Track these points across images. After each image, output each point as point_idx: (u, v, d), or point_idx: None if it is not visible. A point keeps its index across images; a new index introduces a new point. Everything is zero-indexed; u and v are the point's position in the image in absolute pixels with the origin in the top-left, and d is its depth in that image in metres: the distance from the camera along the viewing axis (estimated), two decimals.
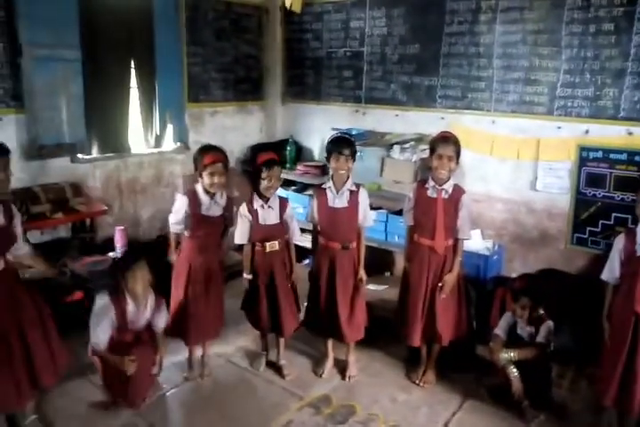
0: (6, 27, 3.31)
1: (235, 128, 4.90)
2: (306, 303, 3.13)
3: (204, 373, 3.05)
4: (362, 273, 2.97)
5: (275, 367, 3.15)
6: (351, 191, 2.90)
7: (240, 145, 4.93)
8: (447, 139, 2.79)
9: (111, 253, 3.51)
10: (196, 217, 2.86)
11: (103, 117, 3.94)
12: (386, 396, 2.92)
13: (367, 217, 2.96)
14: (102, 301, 2.62)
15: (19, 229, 2.37)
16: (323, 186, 2.96)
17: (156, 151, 4.32)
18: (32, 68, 3.44)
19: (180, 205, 2.87)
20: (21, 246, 2.42)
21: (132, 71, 4.10)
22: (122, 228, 3.58)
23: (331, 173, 2.95)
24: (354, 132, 4.29)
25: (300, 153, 4.92)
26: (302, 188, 4.62)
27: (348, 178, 2.90)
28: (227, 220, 2.99)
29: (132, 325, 2.69)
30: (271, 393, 2.94)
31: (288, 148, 4.77)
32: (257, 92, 5.07)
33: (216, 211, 2.90)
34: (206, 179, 2.79)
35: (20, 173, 3.21)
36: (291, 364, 3.17)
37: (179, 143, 4.45)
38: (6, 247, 2.28)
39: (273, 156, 2.96)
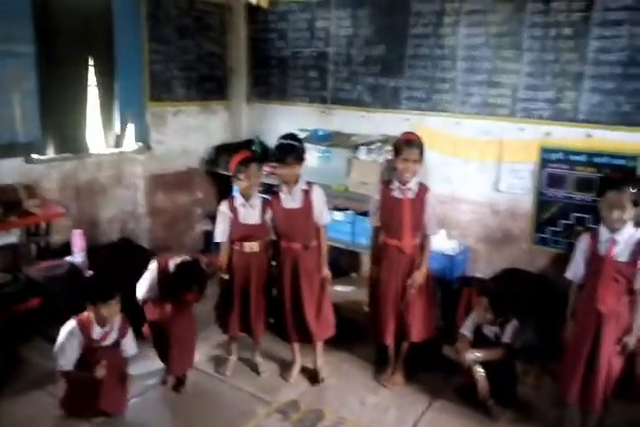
0: None
1: (198, 128, 4.80)
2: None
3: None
4: (326, 271, 2.95)
5: (248, 366, 3.11)
6: (304, 191, 2.87)
7: (204, 145, 4.83)
8: (412, 142, 2.79)
9: (68, 258, 3.36)
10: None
11: (60, 116, 3.78)
12: (354, 399, 2.90)
13: (323, 214, 2.93)
14: (70, 326, 2.59)
15: None
16: (275, 189, 2.96)
17: (116, 151, 4.18)
18: None
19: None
20: None
21: (91, 68, 3.96)
22: (80, 231, 3.44)
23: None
24: (320, 133, 4.28)
25: (266, 154, 4.85)
26: (268, 189, 4.55)
27: (298, 178, 2.87)
28: None
29: (99, 344, 2.64)
30: (238, 400, 2.88)
31: (254, 148, 4.70)
32: (221, 92, 4.98)
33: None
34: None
35: None
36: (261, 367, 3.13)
37: (140, 143, 4.33)
38: None
39: (248, 154, 2.94)
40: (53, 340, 2.66)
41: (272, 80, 4.85)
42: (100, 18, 3.94)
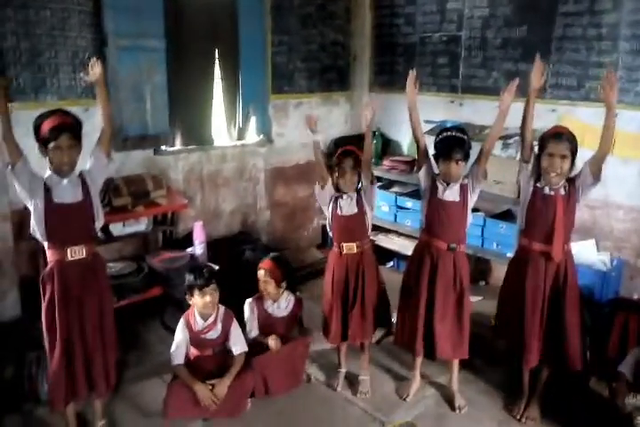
0: (93, 17, 3.26)
1: (319, 120, 4.64)
2: (395, 313, 2.83)
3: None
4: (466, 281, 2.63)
5: (353, 382, 2.91)
6: (462, 186, 2.57)
7: (324, 137, 4.69)
8: (560, 135, 2.40)
9: (189, 249, 3.41)
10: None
11: (187, 109, 3.85)
12: None
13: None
14: (180, 321, 2.62)
15: None
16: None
17: (238, 144, 4.19)
18: (117, 58, 3.37)
19: None
20: None
21: (217, 62, 3.97)
22: (200, 223, 3.46)
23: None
24: (448, 125, 3.92)
25: (388, 147, 4.61)
26: (388, 184, 4.31)
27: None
28: None
29: (204, 336, 2.61)
30: (350, 416, 2.68)
31: (374, 141, 4.46)
32: (343, 82, 4.81)
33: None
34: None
35: None
36: (372, 381, 2.90)
37: (262, 136, 4.30)
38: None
39: (351, 147, 2.75)
40: (172, 329, 2.70)
41: (396, 68, 4.57)
42: (226, 11, 3.94)
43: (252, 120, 4.23)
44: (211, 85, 3.98)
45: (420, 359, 2.78)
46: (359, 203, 2.68)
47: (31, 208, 2.19)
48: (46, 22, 3.09)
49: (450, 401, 2.75)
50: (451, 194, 2.56)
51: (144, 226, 3.40)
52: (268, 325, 2.86)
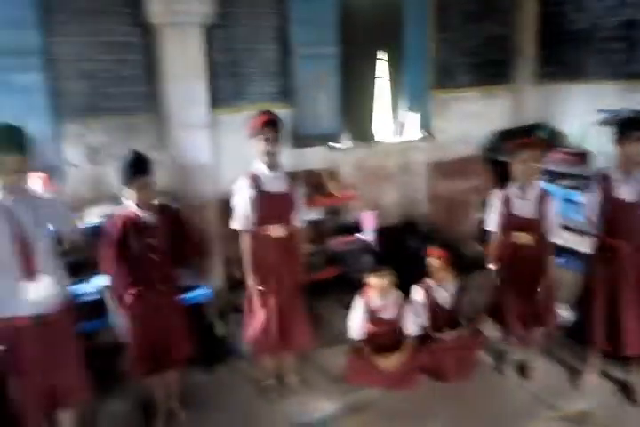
0: (279, 31, 3.71)
1: (479, 114, 4.70)
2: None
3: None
4: None
5: (522, 367, 2.96)
6: None
7: (484, 131, 4.72)
8: None
9: (360, 235, 3.72)
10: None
11: (354, 109, 4.19)
12: None
13: None
14: (361, 297, 2.91)
15: None
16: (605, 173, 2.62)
17: (401, 140, 4.41)
18: (298, 66, 3.79)
19: None
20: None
21: (378, 61, 4.23)
22: (372, 212, 3.75)
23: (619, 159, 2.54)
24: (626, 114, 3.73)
25: (555, 139, 4.48)
26: (557, 177, 4.19)
27: None
28: None
29: (379, 315, 2.88)
30: (520, 400, 2.75)
31: (541, 133, 4.38)
32: (504, 75, 4.77)
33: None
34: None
35: (286, 160, 3.59)
36: (543, 370, 2.94)
37: (423, 131, 4.47)
38: None
39: (529, 139, 2.80)
40: (347, 306, 3.01)
41: (564, 58, 4.43)
42: (391, 12, 4.19)
43: (414, 116, 4.42)
44: (373, 85, 4.27)
45: (596, 354, 2.76)
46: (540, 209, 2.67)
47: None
48: (243, 38, 3.60)
49: (628, 394, 2.68)
50: (628, 191, 2.48)
51: (319, 214, 3.79)
52: (434, 311, 3.02)
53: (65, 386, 2.15)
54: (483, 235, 4.71)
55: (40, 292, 2.01)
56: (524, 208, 2.67)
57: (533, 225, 2.67)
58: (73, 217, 2.26)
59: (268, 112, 2.63)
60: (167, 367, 2.52)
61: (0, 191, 1.99)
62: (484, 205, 4.76)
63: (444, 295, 3.03)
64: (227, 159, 3.53)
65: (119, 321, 2.49)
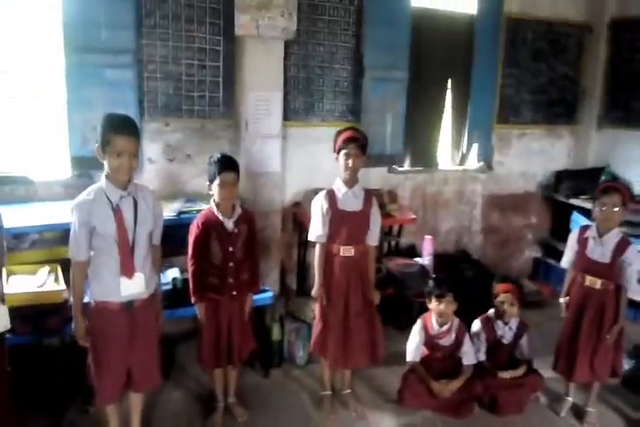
0: (354, 52, 3.81)
1: (540, 152, 4.69)
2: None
3: None
4: None
5: (577, 410, 2.82)
6: None
7: (544, 169, 4.69)
8: None
9: (418, 259, 3.66)
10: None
11: (418, 133, 4.21)
12: None
13: None
14: (418, 323, 2.87)
15: None
16: None
17: (460, 169, 4.41)
18: (369, 88, 3.87)
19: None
20: None
21: (448, 91, 4.29)
22: (431, 237, 3.72)
23: None
24: None
25: None
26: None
27: None
28: None
29: (437, 341, 2.82)
30: None
31: (603, 177, 4.30)
32: (569, 116, 4.77)
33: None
34: None
35: None
36: (599, 415, 2.79)
37: (482, 163, 4.46)
38: None
39: (616, 183, 2.71)
40: (402, 327, 2.93)
41: (632, 104, 4.40)
42: (462, 44, 4.26)
43: (475, 147, 4.43)
44: (441, 113, 4.30)
45: None
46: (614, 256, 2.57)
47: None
48: (319, 56, 3.71)
49: None
50: None
51: None
52: (494, 345, 2.93)
53: (142, 370, 2.20)
54: (536, 274, 4.63)
55: (135, 286, 2.10)
56: (600, 253, 2.59)
57: (607, 271, 2.58)
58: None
59: (352, 128, 2.68)
60: (231, 362, 2.56)
61: (108, 179, 2.03)
62: (538, 243, 4.70)
63: (507, 331, 2.94)
64: (292, 171, 3.58)
65: (192, 313, 2.54)
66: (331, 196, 2.58)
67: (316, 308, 2.67)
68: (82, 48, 2.95)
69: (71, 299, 2.14)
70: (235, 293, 2.47)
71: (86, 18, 2.95)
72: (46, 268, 2.66)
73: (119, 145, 1.96)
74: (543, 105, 4.62)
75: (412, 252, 3.80)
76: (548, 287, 4.32)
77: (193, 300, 2.46)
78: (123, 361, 2.13)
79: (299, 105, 3.68)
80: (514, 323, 2.95)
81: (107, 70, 3.02)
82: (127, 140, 1.98)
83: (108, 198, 2.02)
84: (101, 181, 2.05)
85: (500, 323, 2.93)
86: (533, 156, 4.63)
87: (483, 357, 2.90)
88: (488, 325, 2.94)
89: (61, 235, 2.56)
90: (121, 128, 1.99)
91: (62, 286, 2.50)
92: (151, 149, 3.22)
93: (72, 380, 2.56)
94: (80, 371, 2.29)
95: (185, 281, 2.65)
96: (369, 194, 2.67)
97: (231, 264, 2.43)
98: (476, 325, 2.97)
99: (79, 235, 2.02)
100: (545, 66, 4.57)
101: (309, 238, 2.65)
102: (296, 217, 3.54)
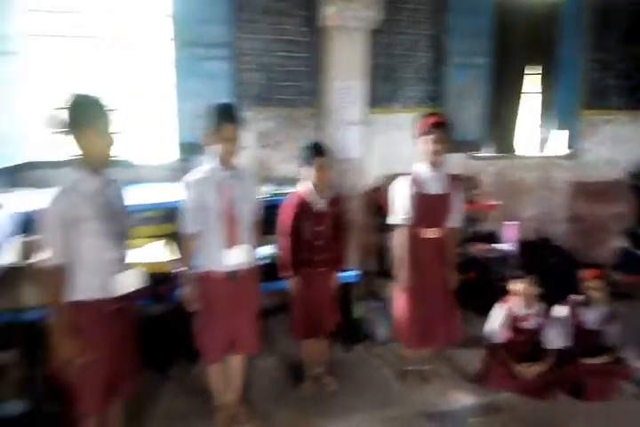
0: (435, 39, 3.85)
1: (628, 138, 4.52)
2: None
3: None
4: None
5: None
6: None
7: (632, 156, 4.51)
8: None
9: (500, 245, 3.67)
10: None
11: (498, 120, 4.20)
12: None
13: None
14: (502, 306, 2.89)
15: None
16: None
17: (543, 155, 4.33)
18: (450, 74, 3.91)
19: None
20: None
21: (526, 77, 4.22)
22: (516, 223, 3.71)
23: None
24: None
25: None
26: None
27: None
28: None
29: (521, 323, 2.83)
30: None
31: None
32: None
33: None
34: None
35: None
36: None
37: (568, 149, 4.36)
38: None
39: None
40: (483, 311, 2.98)
41: None
42: (547, 30, 4.21)
43: (561, 134, 4.34)
44: (519, 99, 4.25)
45: None
46: None
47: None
48: (402, 44, 3.79)
49: None
50: None
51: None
52: (580, 331, 2.90)
53: (244, 334, 2.38)
54: (621, 264, 4.45)
55: (237, 257, 2.29)
56: None
57: None
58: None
59: (437, 114, 2.73)
60: (320, 334, 2.73)
61: (216, 161, 2.25)
62: (624, 233, 4.52)
63: (595, 317, 2.90)
64: (373, 156, 3.68)
65: (284, 287, 2.70)
66: (416, 179, 2.65)
67: (395, 291, 2.76)
68: (188, 42, 3.23)
69: (181, 268, 2.35)
70: (322, 269, 2.62)
71: (192, 14, 3.21)
72: (161, 241, 2.94)
73: (229, 132, 2.19)
74: (631, 90, 4.45)
75: (492, 238, 3.79)
76: (634, 278, 4.17)
77: (286, 274, 2.63)
78: (226, 325, 2.32)
79: (382, 93, 3.78)
80: (601, 309, 2.91)
81: (207, 63, 3.26)
82: (235, 127, 2.21)
83: (216, 178, 2.24)
84: (209, 163, 2.26)
85: (586, 309, 2.91)
86: (621, 142, 4.48)
87: (568, 342, 2.88)
88: (574, 310, 2.92)
89: (167, 213, 2.81)
90: (231, 116, 2.21)
91: (172, 257, 2.76)
92: (244, 136, 3.41)
93: (175, 342, 2.82)
94: (181, 335, 2.50)
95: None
96: (453, 178, 2.73)
97: (319, 242, 2.58)
98: (562, 310, 2.94)
99: (190, 210, 2.24)
100: (632, 50, 4.40)
101: (391, 221, 2.73)
102: (376, 201, 3.64)
